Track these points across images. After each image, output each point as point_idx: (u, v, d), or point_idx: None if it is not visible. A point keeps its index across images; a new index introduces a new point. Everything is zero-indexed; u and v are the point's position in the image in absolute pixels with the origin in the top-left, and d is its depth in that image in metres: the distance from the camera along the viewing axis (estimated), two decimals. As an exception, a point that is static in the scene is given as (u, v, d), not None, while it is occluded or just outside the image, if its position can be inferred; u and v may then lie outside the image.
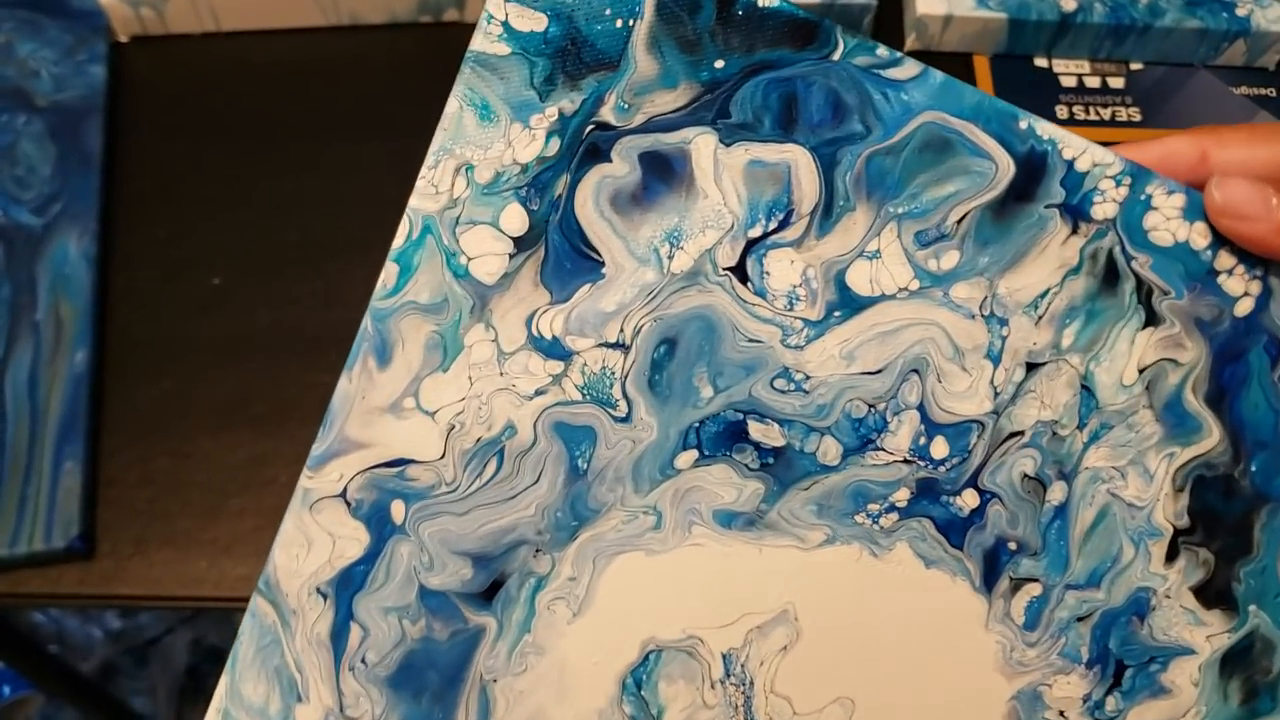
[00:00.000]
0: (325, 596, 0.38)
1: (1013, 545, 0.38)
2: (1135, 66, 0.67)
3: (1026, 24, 0.65)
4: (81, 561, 0.54)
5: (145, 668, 1.05)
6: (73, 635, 1.07)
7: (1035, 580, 0.38)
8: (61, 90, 0.63)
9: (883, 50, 0.36)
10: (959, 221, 0.36)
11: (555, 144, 0.35)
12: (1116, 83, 0.67)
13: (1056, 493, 0.38)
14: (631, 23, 0.35)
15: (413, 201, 0.35)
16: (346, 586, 0.38)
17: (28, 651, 0.82)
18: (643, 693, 0.39)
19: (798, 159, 0.36)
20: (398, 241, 0.36)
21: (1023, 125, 0.36)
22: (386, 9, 0.67)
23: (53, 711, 1.02)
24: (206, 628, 1.07)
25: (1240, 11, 0.65)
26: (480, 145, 0.35)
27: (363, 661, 0.38)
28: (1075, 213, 0.36)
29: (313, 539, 0.37)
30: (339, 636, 0.38)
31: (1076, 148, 0.36)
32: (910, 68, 0.36)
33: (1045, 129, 0.36)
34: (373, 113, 0.65)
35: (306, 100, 0.65)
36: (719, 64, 0.35)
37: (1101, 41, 0.66)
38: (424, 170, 0.35)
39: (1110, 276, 0.37)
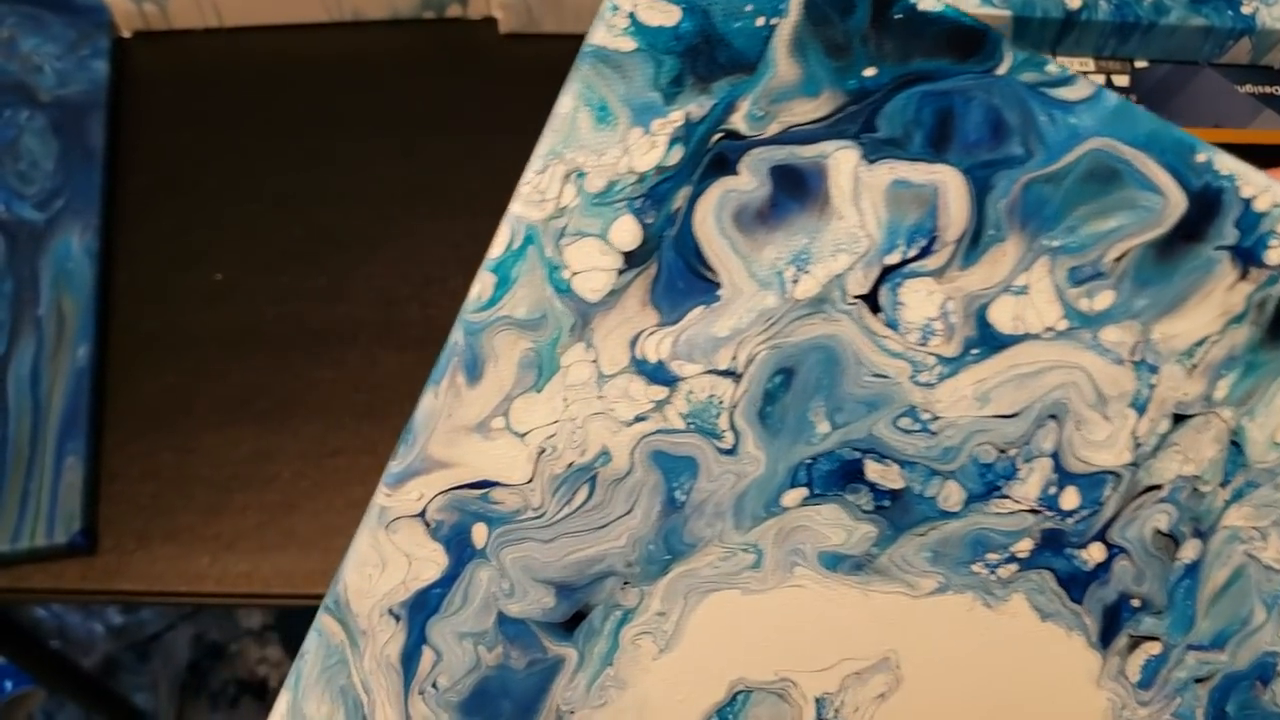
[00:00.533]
0: (398, 618, 0.35)
1: (1136, 602, 0.35)
2: (1140, 64, 0.66)
3: (1031, 21, 0.62)
4: (83, 557, 0.54)
5: (147, 663, 1.06)
6: (74, 631, 1.07)
7: (1155, 639, 0.35)
8: (64, 85, 0.62)
9: (1053, 67, 0.31)
10: (1118, 259, 0.33)
11: (678, 152, 0.32)
12: (1121, 80, 0.65)
13: (1189, 550, 0.35)
14: (774, 22, 0.31)
15: (515, 208, 0.32)
16: (421, 609, 0.35)
17: (30, 647, 0.82)
18: (728, 732, 0.36)
19: (948, 181, 0.32)
20: (495, 250, 0.32)
21: (1201, 158, 0.32)
22: (389, 5, 0.65)
23: (54, 707, 1.03)
24: (208, 623, 1.07)
25: (1246, 9, 0.63)
26: (594, 150, 0.32)
27: (434, 686, 0.36)
28: (1247, 256, 0.33)
29: (387, 559, 0.35)
30: (410, 660, 0.35)
31: (1257, 185, 0.32)
32: (1082, 88, 0.32)
33: (1225, 163, 0.32)
34: (375, 108, 0.64)
35: (309, 96, 0.64)
36: (869, 72, 0.31)
37: (1106, 39, 0.64)
38: (529, 174, 0.32)
39: (1276, 327, 0.33)
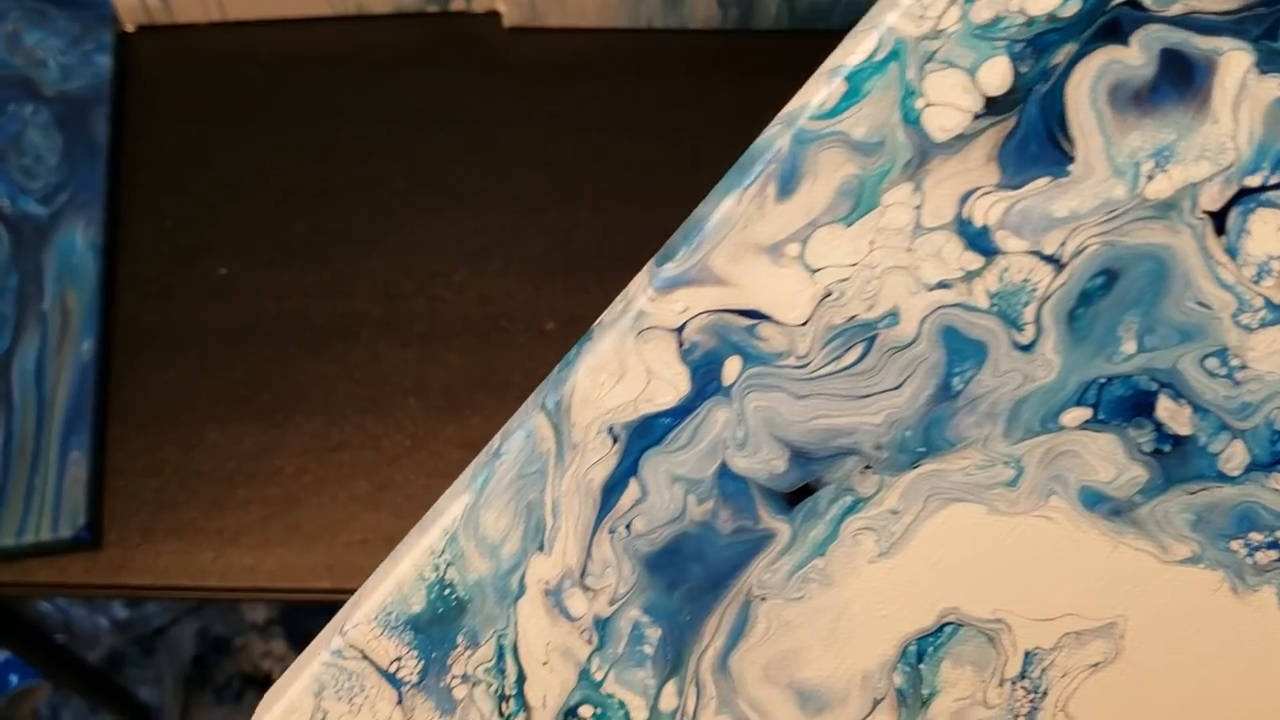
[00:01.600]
0: (615, 439, 0.31)
1: (1383, 628, 0.32)
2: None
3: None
4: (88, 551, 0.54)
5: (151, 658, 1.05)
6: (79, 625, 1.06)
7: (1391, 675, 0.33)
8: (68, 80, 0.63)
9: None
10: None
11: (1074, 6, 0.29)
12: None
13: None
14: (1216, -107, 0.30)
15: (890, 18, 0.29)
16: (643, 436, 0.31)
17: (35, 641, 0.81)
18: (922, 666, 0.33)
19: (1332, 114, 0.30)
20: (855, 58, 0.30)
21: None
22: (393, -1, 0.66)
23: (59, 701, 1.02)
24: (212, 618, 1.07)
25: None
26: (993, -23, 0.29)
27: (627, 528, 0.32)
28: None
29: (628, 369, 0.31)
30: (612, 491, 0.31)
31: None
32: None
33: None
34: (379, 102, 0.65)
35: (312, 90, 0.65)
36: (1290, -24, 0.30)
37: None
38: (918, -15, 0.29)
39: None
